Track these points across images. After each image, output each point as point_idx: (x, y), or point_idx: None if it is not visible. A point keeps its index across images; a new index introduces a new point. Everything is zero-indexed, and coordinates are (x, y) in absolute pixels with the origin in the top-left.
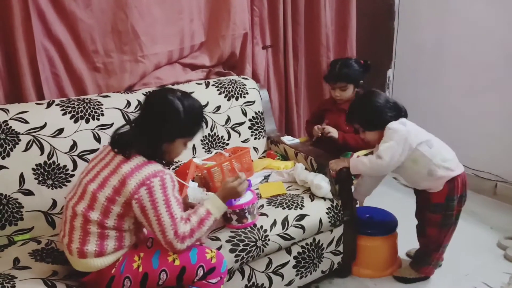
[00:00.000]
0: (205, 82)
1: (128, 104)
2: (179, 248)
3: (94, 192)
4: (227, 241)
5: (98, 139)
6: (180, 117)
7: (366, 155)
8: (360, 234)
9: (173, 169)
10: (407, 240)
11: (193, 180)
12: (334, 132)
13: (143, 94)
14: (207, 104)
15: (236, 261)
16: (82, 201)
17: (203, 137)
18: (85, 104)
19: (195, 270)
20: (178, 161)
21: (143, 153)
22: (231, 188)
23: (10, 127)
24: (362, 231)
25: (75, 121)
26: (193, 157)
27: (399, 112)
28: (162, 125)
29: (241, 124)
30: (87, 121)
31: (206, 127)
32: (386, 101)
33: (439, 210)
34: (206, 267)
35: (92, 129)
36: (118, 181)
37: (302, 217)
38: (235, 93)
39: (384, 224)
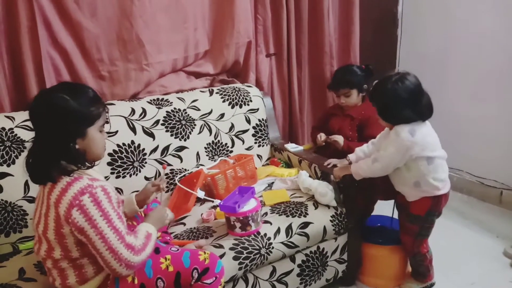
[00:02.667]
0: (209, 89)
1: (133, 112)
2: (136, 261)
3: (43, 235)
4: (231, 249)
5: None
6: (69, 104)
7: None
8: (370, 243)
9: (180, 177)
10: None
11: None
12: (339, 139)
13: (147, 102)
14: (211, 111)
15: (240, 269)
16: (41, 245)
17: (207, 144)
18: None
19: (190, 273)
20: (186, 169)
21: (64, 166)
22: (159, 213)
23: (16, 134)
24: (372, 240)
25: None
26: (198, 165)
27: (419, 114)
28: (61, 124)
29: (244, 131)
30: None
31: (102, 101)
32: (412, 93)
33: (417, 222)
34: (199, 268)
35: None
36: (54, 214)
37: (306, 225)
38: (239, 101)
39: (395, 234)
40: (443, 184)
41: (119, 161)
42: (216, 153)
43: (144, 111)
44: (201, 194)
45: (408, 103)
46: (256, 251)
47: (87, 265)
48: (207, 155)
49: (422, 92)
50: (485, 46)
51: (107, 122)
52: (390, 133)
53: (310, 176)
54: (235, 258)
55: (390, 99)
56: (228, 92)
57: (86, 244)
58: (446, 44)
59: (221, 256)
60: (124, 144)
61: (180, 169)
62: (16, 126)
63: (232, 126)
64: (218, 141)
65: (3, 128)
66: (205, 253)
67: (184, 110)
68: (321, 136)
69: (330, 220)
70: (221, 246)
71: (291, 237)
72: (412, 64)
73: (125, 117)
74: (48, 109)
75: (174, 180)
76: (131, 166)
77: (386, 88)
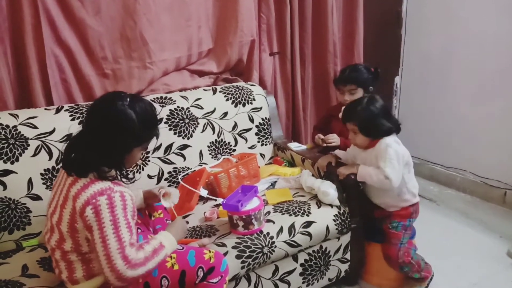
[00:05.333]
0: (212, 88)
1: None
2: (129, 275)
3: (57, 225)
4: (233, 247)
5: None
6: (135, 126)
7: None
8: (374, 242)
9: (183, 176)
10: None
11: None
12: (335, 140)
13: (151, 100)
14: (214, 110)
15: (242, 268)
16: (53, 235)
17: (210, 143)
18: None
19: (195, 272)
20: (188, 168)
21: (100, 169)
22: (182, 224)
23: (19, 132)
24: (376, 239)
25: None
26: (201, 163)
27: (395, 125)
28: (116, 137)
29: (248, 130)
30: None
31: (158, 126)
32: (384, 108)
33: (401, 228)
34: (205, 267)
35: None
36: (71, 207)
37: (309, 224)
38: (242, 100)
39: None
40: (417, 190)
41: None
42: (219, 151)
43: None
44: (204, 192)
45: (384, 116)
46: (259, 250)
47: (95, 260)
48: (210, 154)
49: (389, 109)
50: (489, 47)
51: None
52: (381, 146)
53: (313, 175)
54: (237, 257)
55: (368, 115)
56: (232, 90)
57: None
58: (449, 44)
59: (224, 255)
60: None
61: (183, 168)
62: (20, 124)
63: (235, 125)
64: (221, 139)
65: (7, 126)
66: (210, 251)
67: (188, 108)
68: (319, 137)
69: (333, 220)
70: (223, 245)
71: (293, 236)
72: (415, 64)
73: None
74: (114, 121)
75: (177, 179)
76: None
77: (362, 106)
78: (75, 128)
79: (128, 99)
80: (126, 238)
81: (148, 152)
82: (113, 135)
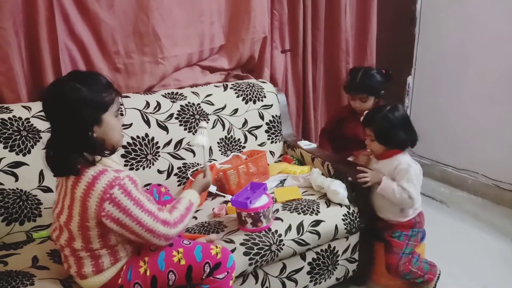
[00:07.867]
0: (223, 84)
1: (148, 105)
2: (173, 233)
3: (66, 225)
4: (241, 244)
5: None
6: (83, 94)
7: None
8: (383, 242)
9: (192, 171)
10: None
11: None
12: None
13: (162, 95)
14: (225, 106)
15: (250, 265)
16: (62, 234)
17: (220, 139)
18: None
19: (202, 267)
20: (198, 163)
21: (87, 158)
22: (206, 182)
23: (32, 124)
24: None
25: None
26: (210, 160)
27: (411, 139)
28: (76, 114)
29: (258, 127)
30: None
31: (113, 86)
32: (405, 119)
33: (403, 238)
34: (211, 263)
35: None
36: (79, 207)
37: (317, 223)
38: (252, 96)
39: None
40: (419, 204)
41: (133, 153)
42: (228, 148)
43: (158, 104)
44: (213, 188)
45: (402, 127)
46: (267, 247)
47: (104, 256)
48: (219, 150)
49: (410, 121)
50: (503, 46)
51: (121, 107)
52: (399, 168)
53: (322, 174)
54: (245, 254)
55: (385, 123)
56: (242, 87)
57: (108, 236)
58: (464, 44)
59: (232, 251)
60: (138, 136)
61: (192, 163)
62: (32, 116)
63: (246, 122)
64: (231, 136)
65: (20, 118)
66: (216, 247)
67: (198, 104)
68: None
69: (342, 219)
70: (232, 241)
71: (302, 234)
72: (428, 63)
73: (139, 110)
74: (61, 100)
75: (187, 174)
76: (144, 159)
77: (382, 114)
78: None
79: (62, 78)
80: (153, 208)
81: (159, 147)
82: (72, 113)
